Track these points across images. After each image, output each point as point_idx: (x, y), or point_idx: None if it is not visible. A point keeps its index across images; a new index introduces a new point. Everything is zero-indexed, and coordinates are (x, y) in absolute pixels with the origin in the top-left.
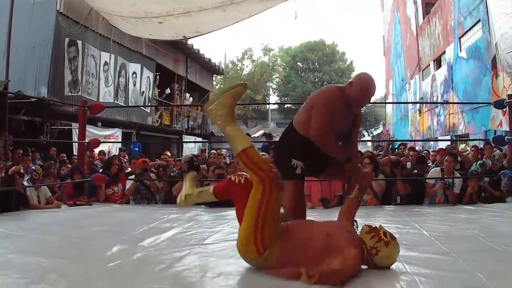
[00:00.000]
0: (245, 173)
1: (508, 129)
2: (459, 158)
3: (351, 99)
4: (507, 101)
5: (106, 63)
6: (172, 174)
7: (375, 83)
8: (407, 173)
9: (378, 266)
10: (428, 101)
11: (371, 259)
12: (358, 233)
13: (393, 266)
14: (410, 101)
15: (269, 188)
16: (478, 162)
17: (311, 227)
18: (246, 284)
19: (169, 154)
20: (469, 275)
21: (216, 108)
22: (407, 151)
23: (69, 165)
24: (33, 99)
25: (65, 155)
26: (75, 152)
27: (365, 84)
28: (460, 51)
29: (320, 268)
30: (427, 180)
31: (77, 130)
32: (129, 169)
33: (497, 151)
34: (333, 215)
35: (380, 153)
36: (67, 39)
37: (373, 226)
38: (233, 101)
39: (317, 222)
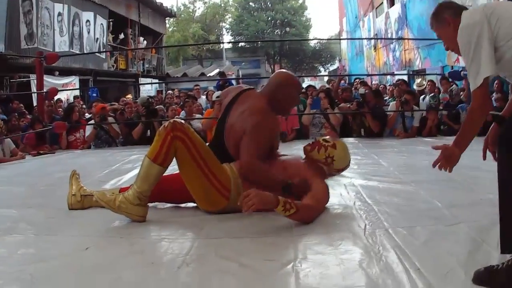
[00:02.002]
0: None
1: (464, 65)
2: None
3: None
4: None
5: (60, 14)
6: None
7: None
8: (372, 107)
9: (340, 169)
10: (382, 37)
11: (331, 168)
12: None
13: (352, 196)
14: (365, 37)
15: (183, 134)
16: (430, 94)
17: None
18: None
19: (130, 96)
20: (428, 205)
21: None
22: (359, 85)
23: (28, 116)
24: None
25: (22, 105)
26: (35, 103)
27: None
28: None
29: (296, 201)
30: (387, 113)
31: (35, 81)
32: (88, 115)
33: (454, 86)
34: (290, 148)
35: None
36: None
37: (311, 142)
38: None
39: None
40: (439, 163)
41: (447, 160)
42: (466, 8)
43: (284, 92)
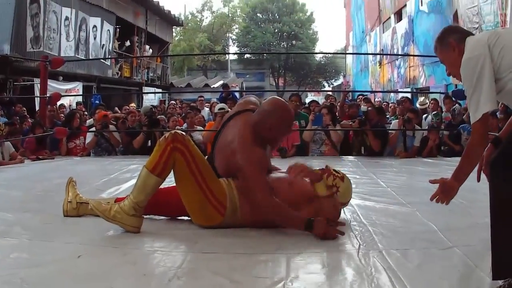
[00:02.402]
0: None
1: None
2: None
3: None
4: None
5: (67, 18)
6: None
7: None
8: (374, 124)
9: (340, 203)
10: (389, 53)
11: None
12: None
13: (348, 216)
14: (371, 53)
15: (183, 147)
16: (433, 112)
17: (271, 180)
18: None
19: (133, 105)
20: (423, 227)
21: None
22: (362, 102)
23: (30, 120)
24: None
25: (25, 109)
26: (38, 107)
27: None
28: (421, 5)
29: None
30: (389, 132)
31: (39, 85)
32: (89, 120)
33: (457, 105)
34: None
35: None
36: None
37: (322, 168)
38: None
39: (274, 175)
40: (437, 197)
41: (445, 194)
42: (471, 34)
43: (274, 122)
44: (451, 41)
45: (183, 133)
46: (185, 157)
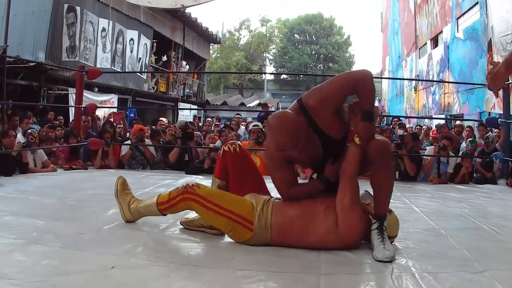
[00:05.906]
0: (237, 142)
1: (501, 112)
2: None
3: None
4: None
5: (104, 30)
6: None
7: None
8: (409, 150)
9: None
10: (424, 79)
11: None
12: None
13: None
14: (406, 78)
15: (194, 196)
16: (468, 139)
17: (308, 201)
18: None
19: (164, 120)
20: (455, 251)
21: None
22: (397, 127)
23: (60, 130)
24: (31, 64)
25: (62, 118)
26: (71, 117)
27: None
28: (457, 32)
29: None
30: (423, 158)
31: (73, 95)
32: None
33: (491, 133)
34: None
35: None
36: (65, 5)
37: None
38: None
39: (316, 197)
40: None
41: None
42: None
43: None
44: None
45: (197, 184)
46: (198, 202)
